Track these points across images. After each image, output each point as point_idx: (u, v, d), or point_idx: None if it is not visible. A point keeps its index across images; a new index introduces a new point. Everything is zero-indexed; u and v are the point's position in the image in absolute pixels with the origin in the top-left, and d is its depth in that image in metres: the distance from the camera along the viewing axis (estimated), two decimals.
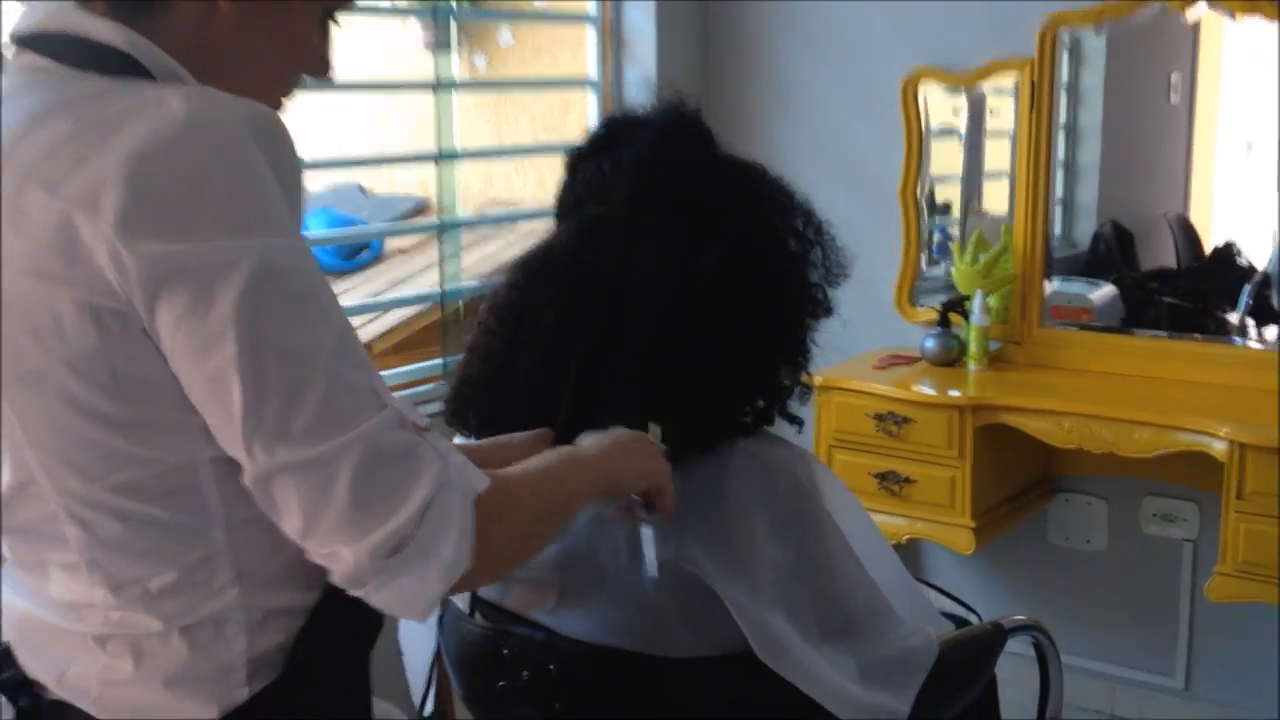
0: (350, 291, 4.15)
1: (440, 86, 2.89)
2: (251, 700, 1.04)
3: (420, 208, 4.31)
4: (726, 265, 1.38)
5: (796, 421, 1.47)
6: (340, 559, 0.96)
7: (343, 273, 4.17)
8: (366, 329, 3.83)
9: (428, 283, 3.53)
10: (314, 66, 1.15)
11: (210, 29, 1.06)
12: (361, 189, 4.60)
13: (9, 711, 1.10)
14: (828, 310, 1.47)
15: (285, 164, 0.99)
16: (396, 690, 1.70)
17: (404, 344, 3.67)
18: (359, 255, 4.15)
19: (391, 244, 4.26)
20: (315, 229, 4.24)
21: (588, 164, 1.46)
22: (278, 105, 1.16)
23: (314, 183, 4.77)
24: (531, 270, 1.44)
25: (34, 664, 1.10)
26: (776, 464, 1.40)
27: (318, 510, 0.94)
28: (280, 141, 0.99)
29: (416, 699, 1.68)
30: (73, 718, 1.07)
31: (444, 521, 0.97)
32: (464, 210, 4.25)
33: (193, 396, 0.97)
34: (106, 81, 1.00)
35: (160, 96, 0.96)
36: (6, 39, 1.08)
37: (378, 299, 3.80)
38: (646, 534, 1.38)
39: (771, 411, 1.45)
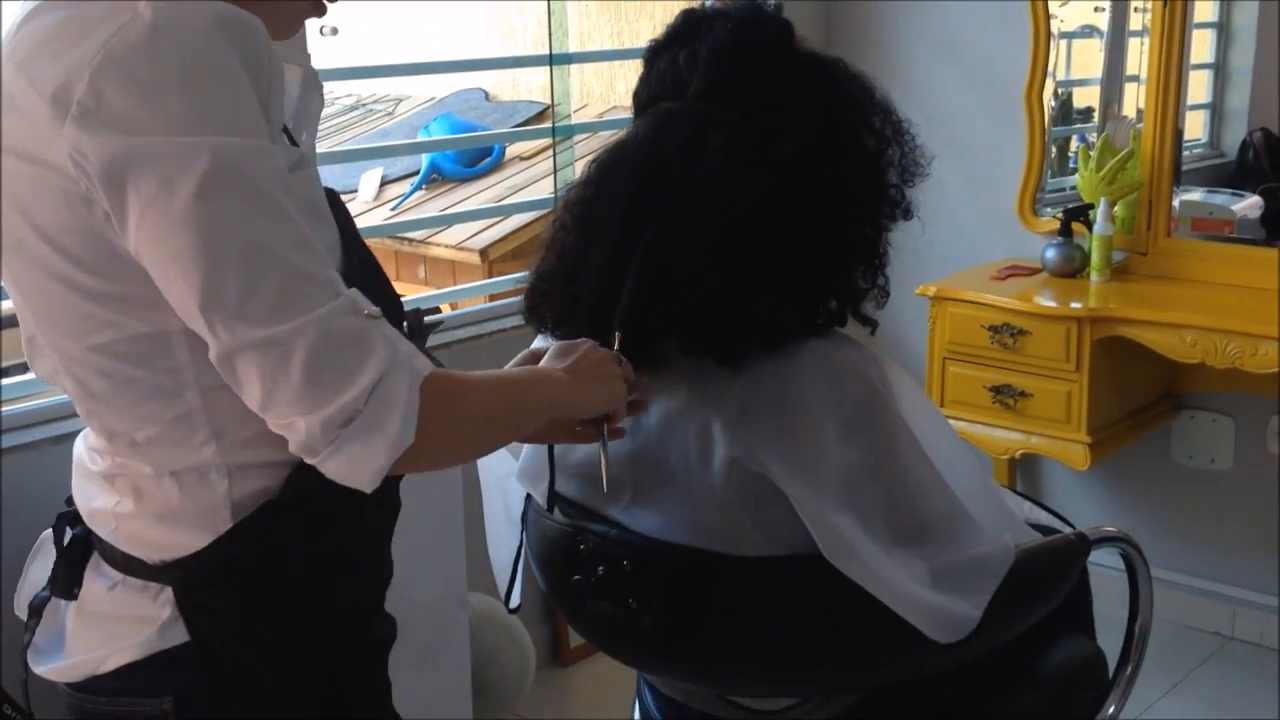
0: (471, 198, 4.20)
1: None
2: (238, 525, 1.13)
3: (543, 113, 4.32)
4: (796, 160, 1.36)
5: (870, 323, 1.44)
6: (296, 429, 1.03)
7: (465, 179, 4.22)
8: (485, 234, 3.88)
9: (547, 189, 3.55)
10: None
11: None
12: (486, 94, 4.63)
13: (66, 538, 1.23)
14: (906, 212, 1.44)
15: (262, 66, 1.04)
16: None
17: (521, 250, 3.72)
18: (480, 162, 4.19)
19: (513, 150, 4.29)
20: (437, 133, 4.30)
21: (663, 58, 1.44)
22: (317, 8, 1.21)
23: (436, 87, 4.83)
24: (606, 166, 1.44)
25: (78, 499, 1.23)
26: (847, 365, 1.38)
27: (276, 384, 1.01)
28: (254, 43, 1.04)
29: (502, 593, 1.73)
30: (107, 547, 1.20)
31: (391, 400, 1.03)
32: (586, 115, 4.25)
33: (156, 278, 1.04)
34: None
35: None
36: None
37: (495, 205, 3.84)
38: (718, 436, 1.38)
39: (844, 312, 1.42)
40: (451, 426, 1.11)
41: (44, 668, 1.22)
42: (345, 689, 1.22)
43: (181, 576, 1.14)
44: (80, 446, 1.24)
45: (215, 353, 1.03)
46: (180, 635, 1.14)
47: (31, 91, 1.02)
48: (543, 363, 1.31)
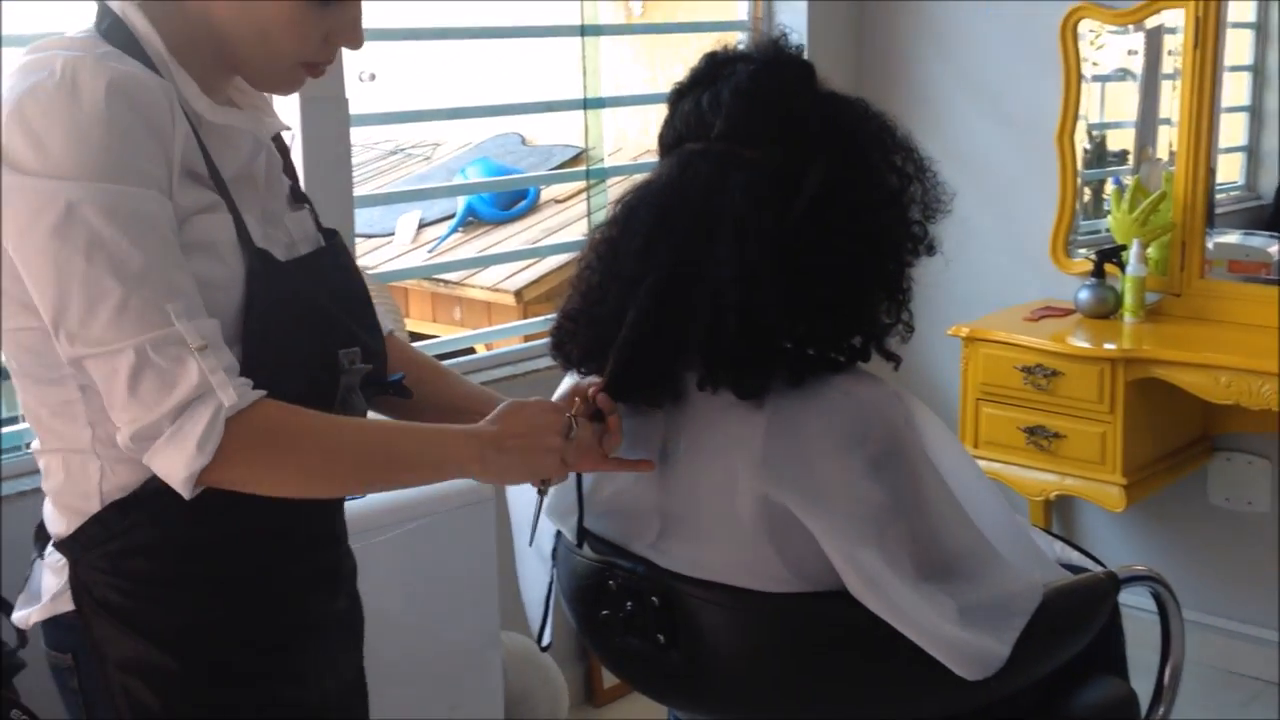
0: (507, 240, 4.24)
1: (587, 31, 2.91)
2: (97, 515, 1.29)
3: (578, 157, 4.36)
4: (820, 198, 1.37)
5: (894, 359, 1.45)
6: (121, 434, 1.22)
7: (500, 221, 4.26)
8: (518, 277, 3.92)
9: (582, 231, 3.57)
10: (311, 52, 1.31)
11: (210, 9, 1.28)
12: (522, 139, 4.68)
13: None
14: (929, 248, 1.45)
15: (163, 124, 1.22)
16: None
17: (555, 291, 3.75)
18: (516, 205, 4.24)
19: (547, 193, 4.33)
20: (474, 177, 4.35)
21: (687, 100, 1.45)
22: (302, 76, 1.33)
23: (473, 131, 4.89)
24: (630, 206, 1.46)
25: None
26: (872, 403, 1.39)
27: (111, 392, 1.21)
28: (151, 104, 1.21)
29: (534, 631, 1.73)
30: None
31: (194, 422, 1.20)
32: (620, 159, 4.29)
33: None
34: (84, 38, 1.25)
35: (52, 58, 1.20)
36: None
37: (530, 247, 3.88)
38: (743, 472, 1.39)
39: (869, 348, 1.43)
40: (280, 458, 1.25)
41: (17, 614, 1.39)
42: (222, 673, 1.33)
43: (69, 554, 1.31)
44: None
45: (64, 359, 1.23)
46: (67, 604, 1.32)
47: None
48: (486, 419, 1.36)
